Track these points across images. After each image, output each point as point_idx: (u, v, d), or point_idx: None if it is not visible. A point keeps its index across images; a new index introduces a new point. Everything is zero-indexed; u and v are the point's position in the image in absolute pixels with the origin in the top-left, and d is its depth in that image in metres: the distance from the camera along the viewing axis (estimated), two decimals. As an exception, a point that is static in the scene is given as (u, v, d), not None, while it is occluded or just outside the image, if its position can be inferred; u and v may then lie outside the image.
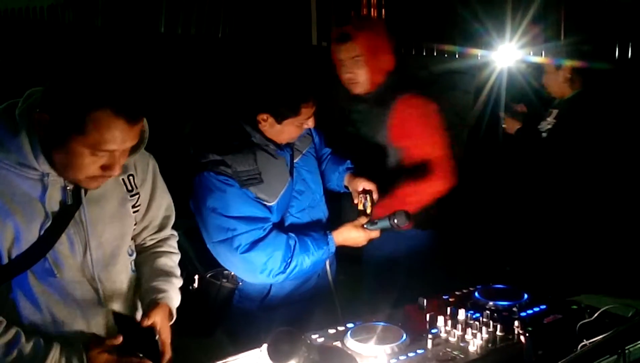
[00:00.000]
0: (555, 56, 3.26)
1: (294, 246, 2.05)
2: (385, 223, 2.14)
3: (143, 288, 1.74)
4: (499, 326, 1.72)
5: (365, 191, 2.25)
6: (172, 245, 1.88)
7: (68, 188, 1.52)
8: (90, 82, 1.39)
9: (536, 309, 1.92)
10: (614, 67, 3.65)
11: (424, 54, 4.59)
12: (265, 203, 2.06)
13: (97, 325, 1.62)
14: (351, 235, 2.17)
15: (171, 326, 1.70)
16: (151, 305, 1.66)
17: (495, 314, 1.82)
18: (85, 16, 6.30)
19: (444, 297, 2.02)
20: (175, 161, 2.09)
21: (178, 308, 1.76)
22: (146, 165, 1.75)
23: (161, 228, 1.84)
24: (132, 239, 1.76)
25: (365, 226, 2.17)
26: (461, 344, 1.69)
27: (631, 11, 3.73)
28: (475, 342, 1.67)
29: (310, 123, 2.10)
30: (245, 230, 1.99)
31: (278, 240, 2.04)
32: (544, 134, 3.32)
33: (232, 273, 2.09)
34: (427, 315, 1.80)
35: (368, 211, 2.21)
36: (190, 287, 2.03)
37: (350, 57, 2.58)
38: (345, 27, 2.65)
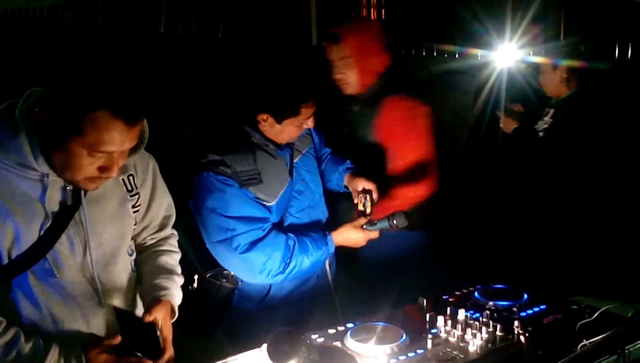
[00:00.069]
0: (555, 56, 3.26)
1: (293, 246, 2.05)
2: (384, 224, 2.14)
3: (145, 286, 1.74)
4: (498, 326, 1.71)
5: (365, 191, 2.25)
6: (173, 243, 1.88)
7: (68, 188, 1.52)
8: (89, 83, 1.38)
9: (536, 309, 1.92)
10: (614, 67, 3.65)
11: (424, 54, 4.59)
12: (265, 203, 2.06)
13: (97, 325, 1.62)
14: (350, 235, 2.17)
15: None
16: (153, 302, 1.66)
17: (495, 314, 1.82)
18: (85, 16, 6.30)
19: (443, 297, 2.02)
20: (175, 161, 2.09)
21: (178, 308, 1.76)
22: (146, 165, 1.75)
23: (161, 227, 1.84)
24: (132, 239, 1.76)
25: (364, 226, 2.17)
26: (461, 344, 1.69)
27: (631, 11, 3.73)
28: (475, 342, 1.67)
29: (310, 123, 2.10)
30: (244, 230, 1.99)
31: (277, 240, 2.04)
32: (541, 134, 3.32)
33: (232, 273, 2.09)
34: (427, 315, 1.80)
35: (368, 211, 2.21)
36: (190, 287, 2.02)
37: (340, 58, 2.59)
38: (336, 28, 2.66)
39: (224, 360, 1.67)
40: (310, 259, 2.07)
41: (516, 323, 1.73)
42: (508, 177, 3.52)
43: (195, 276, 2.08)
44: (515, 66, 3.61)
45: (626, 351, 1.66)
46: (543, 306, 1.94)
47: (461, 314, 1.80)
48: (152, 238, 1.84)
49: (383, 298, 2.26)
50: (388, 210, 2.18)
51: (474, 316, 1.79)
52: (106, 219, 1.62)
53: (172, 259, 1.84)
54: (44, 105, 1.41)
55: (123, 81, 1.41)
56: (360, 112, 2.65)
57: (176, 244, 1.89)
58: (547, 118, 3.33)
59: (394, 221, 2.11)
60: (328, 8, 5.04)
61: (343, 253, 2.32)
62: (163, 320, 1.62)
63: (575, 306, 1.94)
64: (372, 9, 4.99)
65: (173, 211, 1.87)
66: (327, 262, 2.25)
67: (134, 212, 1.71)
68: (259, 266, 2.01)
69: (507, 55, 3.63)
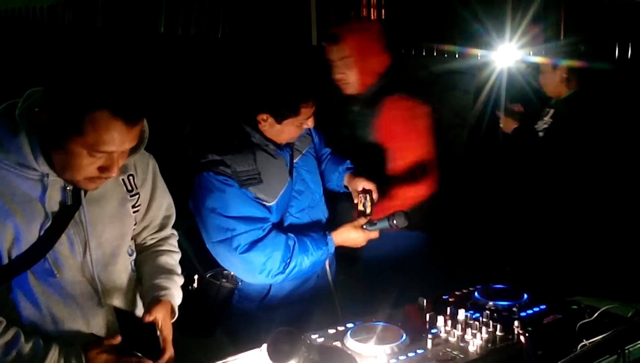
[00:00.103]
0: (555, 56, 3.27)
1: (293, 246, 2.05)
2: (384, 224, 2.14)
3: (145, 286, 1.74)
4: (498, 326, 1.72)
5: (365, 191, 2.25)
6: (173, 243, 1.88)
7: (68, 188, 1.52)
8: (89, 83, 1.38)
9: (536, 309, 1.92)
10: (614, 67, 3.65)
11: (424, 54, 4.59)
12: (265, 203, 2.06)
13: (97, 325, 1.62)
14: (350, 235, 2.17)
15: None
16: (153, 302, 1.66)
17: (495, 314, 1.82)
18: (85, 16, 6.30)
19: (444, 297, 2.02)
20: (175, 161, 2.09)
21: (177, 308, 1.76)
22: (146, 165, 1.75)
23: (162, 227, 1.84)
24: (132, 239, 1.76)
25: (364, 226, 2.17)
26: (461, 344, 1.69)
27: (631, 11, 3.73)
28: (475, 342, 1.67)
29: (310, 123, 2.10)
30: (244, 230, 1.99)
31: (277, 240, 2.04)
32: (541, 134, 3.33)
33: (232, 273, 2.09)
34: (427, 315, 1.80)
35: (368, 210, 2.21)
36: (190, 287, 2.02)
37: (340, 58, 2.59)
38: (336, 28, 2.66)
39: (224, 360, 1.67)
40: (310, 259, 2.07)
41: (516, 323, 1.73)
42: (508, 177, 3.52)
43: (195, 276, 2.08)
44: (515, 66, 3.61)
45: (626, 351, 1.66)
46: (543, 307, 1.94)
47: (461, 314, 1.80)
48: (152, 238, 1.84)
49: (383, 298, 2.26)
50: (388, 210, 2.18)
51: (474, 317, 1.79)
52: (106, 219, 1.62)
53: (172, 259, 1.84)
54: (44, 105, 1.41)
55: (123, 81, 1.41)
56: (360, 112, 2.65)
57: (176, 244, 1.89)
58: (547, 118, 3.33)
59: (394, 221, 2.11)
60: (328, 8, 5.04)
61: (343, 253, 2.32)
62: (163, 320, 1.62)
63: (575, 307, 1.94)
64: (372, 9, 4.99)
65: (173, 211, 1.87)
66: (327, 262, 2.25)
67: (134, 212, 1.71)
68: (259, 266, 2.01)
69: (507, 55, 3.63)
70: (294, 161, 2.20)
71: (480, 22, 3.99)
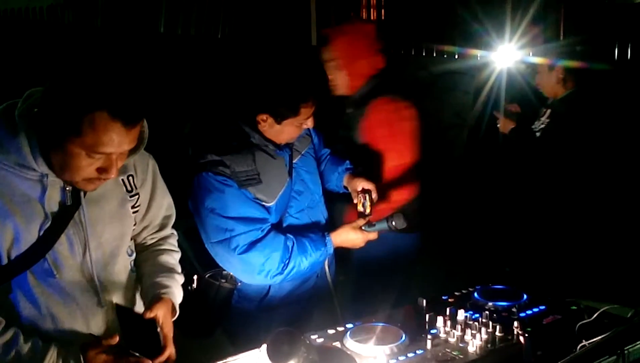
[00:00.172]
0: (555, 57, 3.27)
1: (292, 247, 2.05)
2: (383, 225, 2.14)
3: (145, 284, 1.74)
4: (498, 326, 1.71)
5: (364, 191, 2.24)
6: (173, 243, 1.88)
7: (67, 188, 1.52)
8: (88, 84, 1.38)
9: (535, 310, 1.92)
10: (613, 68, 3.66)
11: (424, 54, 4.60)
12: (264, 203, 2.06)
13: (96, 325, 1.62)
14: (349, 236, 2.16)
15: (170, 326, 1.70)
16: (154, 299, 1.65)
17: (495, 315, 1.82)
18: (85, 16, 6.30)
19: (443, 298, 2.02)
20: (175, 161, 2.09)
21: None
22: (146, 165, 1.75)
23: (161, 227, 1.84)
24: (131, 239, 1.76)
25: (363, 228, 2.17)
26: (460, 345, 1.69)
27: (630, 12, 3.73)
28: (474, 343, 1.67)
29: (309, 123, 2.10)
30: (243, 231, 1.99)
31: (276, 241, 2.04)
32: (538, 134, 3.33)
33: (231, 274, 2.09)
34: (427, 316, 1.80)
35: (367, 211, 2.21)
36: (189, 287, 2.02)
37: (329, 60, 2.59)
38: (324, 30, 2.65)
39: (223, 361, 1.66)
40: (308, 260, 2.07)
41: (515, 323, 1.72)
42: (508, 177, 3.53)
43: (195, 277, 2.09)
44: (515, 66, 3.62)
45: (625, 352, 1.66)
46: (542, 307, 1.94)
47: (461, 314, 1.80)
48: (152, 238, 1.84)
49: (382, 299, 2.26)
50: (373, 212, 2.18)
51: (473, 317, 1.79)
52: (106, 219, 1.62)
53: (173, 258, 1.84)
54: (44, 105, 1.41)
55: (122, 82, 1.40)
56: (351, 114, 2.65)
57: (176, 243, 1.89)
58: (544, 118, 3.34)
59: (393, 223, 2.11)
60: (328, 8, 5.04)
61: (342, 254, 2.32)
62: (164, 317, 1.62)
63: (574, 307, 1.94)
64: (372, 10, 5.00)
65: (173, 211, 1.87)
66: (326, 263, 2.25)
67: (134, 212, 1.71)
68: (257, 267, 2.01)
69: (506, 55, 3.63)
70: (294, 161, 2.20)
71: (480, 22, 4.00)
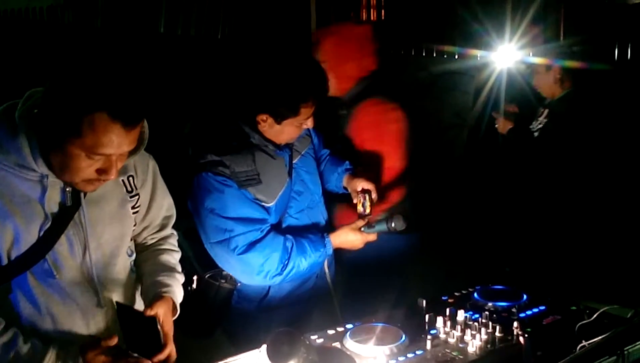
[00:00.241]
0: (555, 57, 3.27)
1: (291, 248, 2.05)
2: (382, 227, 2.14)
3: (146, 283, 1.74)
4: (498, 327, 1.71)
5: (364, 191, 2.24)
6: (173, 243, 1.88)
7: (67, 189, 1.52)
8: (88, 85, 1.37)
9: (535, 310, 1.92)
10: (612, 68, 3.66)
11: (424, 54, 4.59)
12: (264, 203, 2.06)
13: (96, 325, 1.63)
14: (348, 237, 2.16)
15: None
16: (155, 298, 1.65)
17: (495, 315, 1.82)
18: (84, 17, 6.30)
19: (443, 298, 2.02)
20: (175, 161, 2.09)
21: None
22: (146, 166, 1.75)
23: (162, 227, 1.85)
24: (132, 239, 1.76)
25: (362, 229, 2.16)
26: (460, 345, 1.69)
27: (630, 12, 3.74)
28: (474, 343, 1.67)
29: (309, 123, 2.10)
30: (242, 231, 1.99)
31: (275, 241, 2.04)
32: (536, 134, 3.34)
33: (231, 274, 2.09)
34: (426, 316, 1.80)
35: (367, 211, 2.21)
36: (189, 288, 2.02)
37: (320, 62, 2.58)
38: (315, 32, 2.64)
39: (223, 361, 1.67)
40: (308, 261, 2.07)
41: (515, 324, 1.73)
42: (507, 178, 3.53)
43: (194, 277, 2.09)
44: (515, 66, 3.62)
45: (625, 352, 1.67)
46: (542, 307, 1.94)
47: (460, 315, 1.80)
48: (153, 238, 1.84)
49: (382, 299, 2.26)
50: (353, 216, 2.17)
51: (473, 317, 1.80)
52: (106, 220, 1.62)
53: (173, 258, 1.84)
54: (44, 106, 1.41)
55: (122, 83, 1.40)
56: (342, 116, 2.65)
57: (176, 243, 1.89)
58: (541, 118, 3.34)
59: (392, 224, 2.11)
60: (328, 8, 5.04)
61: (342, 254, 2.32)
62: (164, 315, 1.62)
63: (574, 307, 1.94)
64: (371, 10, 4.99)
65: (173, 212, 1.87)
66: (326, 263, 2.25)
67: (134, 213, 1.71)
68: (256, 268, 2.01)
69: (506, 56, 3.64)
70: (293, 161, 2.20)
71: (480, 22, 4.00)
